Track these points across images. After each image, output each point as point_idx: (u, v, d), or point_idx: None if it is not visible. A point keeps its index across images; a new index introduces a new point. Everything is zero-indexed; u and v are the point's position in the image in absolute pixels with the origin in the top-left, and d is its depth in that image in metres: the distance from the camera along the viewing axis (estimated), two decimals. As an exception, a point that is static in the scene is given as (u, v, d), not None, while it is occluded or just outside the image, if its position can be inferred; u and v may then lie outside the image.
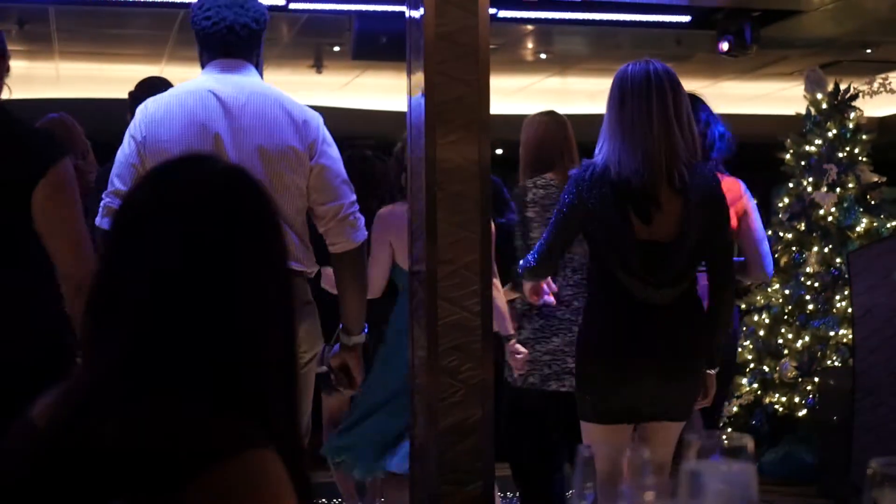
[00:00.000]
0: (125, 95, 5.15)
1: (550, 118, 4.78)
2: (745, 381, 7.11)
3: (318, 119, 3.61)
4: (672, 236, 3.52)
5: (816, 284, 7.09)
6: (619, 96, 3.55)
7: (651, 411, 3.58)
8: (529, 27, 9.20)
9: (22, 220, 3.24)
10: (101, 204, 3.52)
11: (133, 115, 3.68)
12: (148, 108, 3.54)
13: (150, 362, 1.36)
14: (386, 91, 9.58)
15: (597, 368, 3.59)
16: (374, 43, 8.23)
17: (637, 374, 3.51)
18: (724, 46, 8.58)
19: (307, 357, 3.64)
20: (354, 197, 3.66)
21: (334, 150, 3.62)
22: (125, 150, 3.53)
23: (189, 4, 3.73)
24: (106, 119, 5.55)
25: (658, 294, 3.52)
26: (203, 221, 1.41)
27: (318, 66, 10.06)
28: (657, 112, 3.51)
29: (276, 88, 3.66)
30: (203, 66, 3.65)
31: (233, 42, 3.59)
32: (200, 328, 1.37)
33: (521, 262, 3.92)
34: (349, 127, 8.28)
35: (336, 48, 9.40)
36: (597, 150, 3.64)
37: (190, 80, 3.65)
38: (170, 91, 3.65)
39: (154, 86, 5.11)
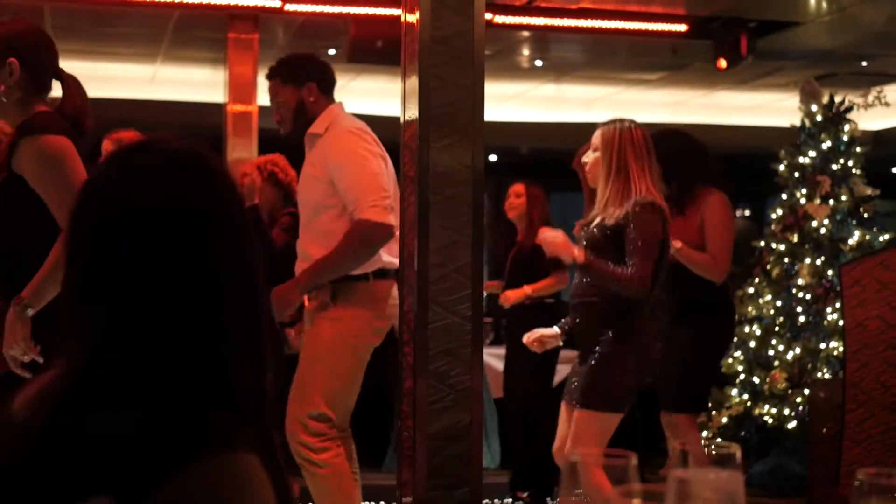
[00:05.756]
0: (120, 95, 5.12)
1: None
2: (734, 391, 7.10)
3: None
4: None
5: (808, 296, 7.08)
6: (650, 146, 4.10)
7: None
8: (525, 34, 9.20)
9: None
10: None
11: None
12: None
13: (128, 355, 1.35)
14: (381, 95, 9.56)
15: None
16: (370, 46, 8.23)
17: None
18: (723, 64, 8.60)
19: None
20: None
21: None
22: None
23: (185, 4, 3.73)
24: (100, 118, 5.52)
25: None
26: (159, 203, 1.39)
27: (314, 69, 10.04)
28: None
29: None
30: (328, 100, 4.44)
31: None
32: (168, 315, 1.36)
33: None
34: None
35: (331, 51, 9.39)
36: (598, 187, 4.14)
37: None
38: None
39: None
